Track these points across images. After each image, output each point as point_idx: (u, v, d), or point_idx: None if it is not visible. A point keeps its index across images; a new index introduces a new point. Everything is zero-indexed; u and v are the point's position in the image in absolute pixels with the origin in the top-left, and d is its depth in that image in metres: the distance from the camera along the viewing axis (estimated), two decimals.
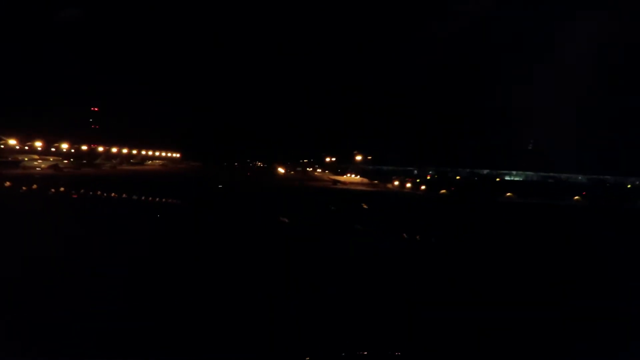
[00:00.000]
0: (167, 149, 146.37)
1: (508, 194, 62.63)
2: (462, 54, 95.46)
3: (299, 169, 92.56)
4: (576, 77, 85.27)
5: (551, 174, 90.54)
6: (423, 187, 67.75)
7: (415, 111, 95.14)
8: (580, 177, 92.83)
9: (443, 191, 63.33)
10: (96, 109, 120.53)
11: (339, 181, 74.55)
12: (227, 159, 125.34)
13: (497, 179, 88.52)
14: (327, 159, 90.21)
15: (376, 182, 77.00)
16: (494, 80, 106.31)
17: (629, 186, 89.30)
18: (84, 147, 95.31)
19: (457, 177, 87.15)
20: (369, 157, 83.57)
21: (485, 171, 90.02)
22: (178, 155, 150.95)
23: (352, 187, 71.87)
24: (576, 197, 63.46)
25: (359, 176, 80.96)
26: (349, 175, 79.73)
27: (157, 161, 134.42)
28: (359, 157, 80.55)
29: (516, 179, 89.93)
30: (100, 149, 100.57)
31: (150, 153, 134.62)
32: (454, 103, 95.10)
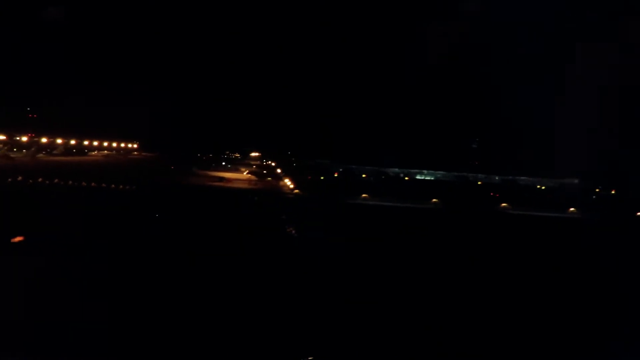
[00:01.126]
0: (122, 140, 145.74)
1: (363, 195, 61.26)
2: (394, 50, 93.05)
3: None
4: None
5: (464, 174, 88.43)
6: (293, 187, 66.42)
7: (333, 106, 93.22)
8: (497, 178, 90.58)
9: (296, 191, 62.26)
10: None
11: (224, 178, 73.39)
12: (170, 150, 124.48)
13: (406, 178, 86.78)
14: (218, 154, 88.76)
15: (269, 178, 75.69)
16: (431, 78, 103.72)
17: (543, 188, 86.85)
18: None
19: (363, 175, 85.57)
20: (269, 151, 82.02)
21: (396, 169, 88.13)
22: (135, 145, 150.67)
23: (237, 184, 70.79)
24: (434, 200, 61.84)
25: (261, 171, 79.66)
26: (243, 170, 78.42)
27: (105, 152, 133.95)
28: (255, 153, 79.24)
29: (427, 178, 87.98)
30: (25, 138, 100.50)
31: (96, 143, 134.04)
32: (371, 98, 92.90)
